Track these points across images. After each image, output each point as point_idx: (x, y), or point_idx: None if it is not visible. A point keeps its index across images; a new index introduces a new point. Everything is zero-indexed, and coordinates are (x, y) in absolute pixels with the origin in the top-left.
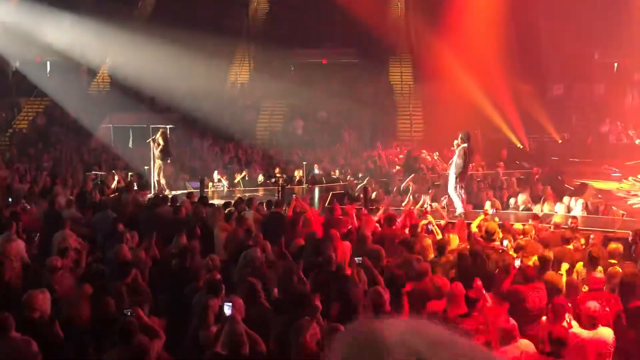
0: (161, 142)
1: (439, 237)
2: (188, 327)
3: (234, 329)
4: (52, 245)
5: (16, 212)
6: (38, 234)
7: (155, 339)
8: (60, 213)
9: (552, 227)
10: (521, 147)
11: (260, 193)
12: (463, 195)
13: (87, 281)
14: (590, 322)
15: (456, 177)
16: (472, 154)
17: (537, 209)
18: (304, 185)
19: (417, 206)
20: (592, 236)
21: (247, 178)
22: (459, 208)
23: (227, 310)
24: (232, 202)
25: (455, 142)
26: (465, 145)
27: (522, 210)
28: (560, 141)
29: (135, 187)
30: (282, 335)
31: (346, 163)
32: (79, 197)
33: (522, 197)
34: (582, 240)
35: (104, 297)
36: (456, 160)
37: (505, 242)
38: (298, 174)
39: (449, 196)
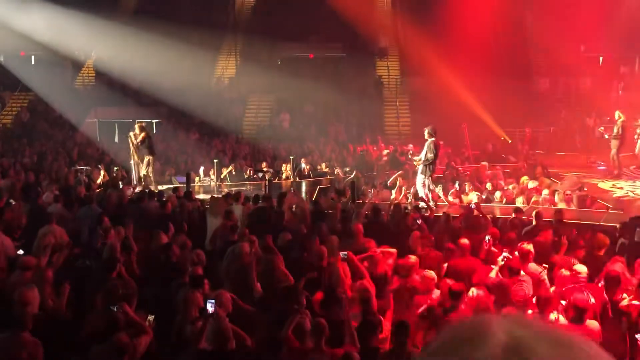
0: (145, 139)
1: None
2: (173, 322)
3: (218, 325)
4: (35, 241)
5: (0, 209)
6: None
7: (143, 334)
8: (44, 208)
9: (534, 219)
10: (507, 140)
11: (249, 188)
12: (432, 189)
13: (71, 276)
14: (578, 315)
15: (425, 170)
16: (440, 148)
17: (519, 201)
18: (292, 180)
19: (399, 199)
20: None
21: (233, 172)
22: (430, 201)
23: (210, 307)
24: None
25: (425, 135)
26: (434, 139)
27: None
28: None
29: (120, 182)
30: (268, 331)
31: (333, 157)
32: (64, 192)
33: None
34: None
35: (89, 292)
36: (426, 155)
37: (487, 238)
38: (285, 168)
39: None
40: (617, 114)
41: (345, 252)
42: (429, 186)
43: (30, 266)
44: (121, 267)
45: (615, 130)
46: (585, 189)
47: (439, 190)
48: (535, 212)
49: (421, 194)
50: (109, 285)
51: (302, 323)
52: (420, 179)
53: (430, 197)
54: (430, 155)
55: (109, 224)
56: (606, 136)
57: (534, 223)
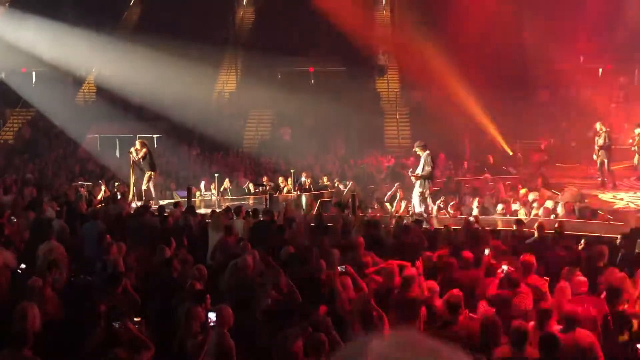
0: (147, 155)
1: None
2: (174, 337)
3: (220, 339)
4: (37, 258)
5: (1, 224)
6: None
7: (145, 350)
8: (48, 223)
9: (535, 231)
10: (510, 153)
11: (251, 202)
12: (429, 203)
13: (72, 292)
14: (568, 323)
15: (424, 184)
16: (438, 160)
17: (521, 213)
18: (293, 193)
19: (400, 212)
20: (583, 240)
21: (230, 187)
22: (423, 213)
23: (211, 322)
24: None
25: (416, 150)
26: (428, 152)
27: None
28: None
29: (119, 194)
30: (269, 345)
31: (334, 170)
32: (67, 207)
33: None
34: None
35: (90, 307)
36: (424, 168)
37: (487, 251)
38: (286, 182)
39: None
40: (598, 125)
41: (344, 266)
42: (427, 199)
43: (37, 287)
44: (127, 282)
45: (602, 141)
46: (586, 200)
47: (438, 203)
48: (537, 224)
49: (417, 207)
50: (110, 300)
51: (302, 337)
52: (417, 192)
53: (429, 210)
54: (428, 169)
55: (110, 239)
56: (597, 146)
57: (536, 235)
